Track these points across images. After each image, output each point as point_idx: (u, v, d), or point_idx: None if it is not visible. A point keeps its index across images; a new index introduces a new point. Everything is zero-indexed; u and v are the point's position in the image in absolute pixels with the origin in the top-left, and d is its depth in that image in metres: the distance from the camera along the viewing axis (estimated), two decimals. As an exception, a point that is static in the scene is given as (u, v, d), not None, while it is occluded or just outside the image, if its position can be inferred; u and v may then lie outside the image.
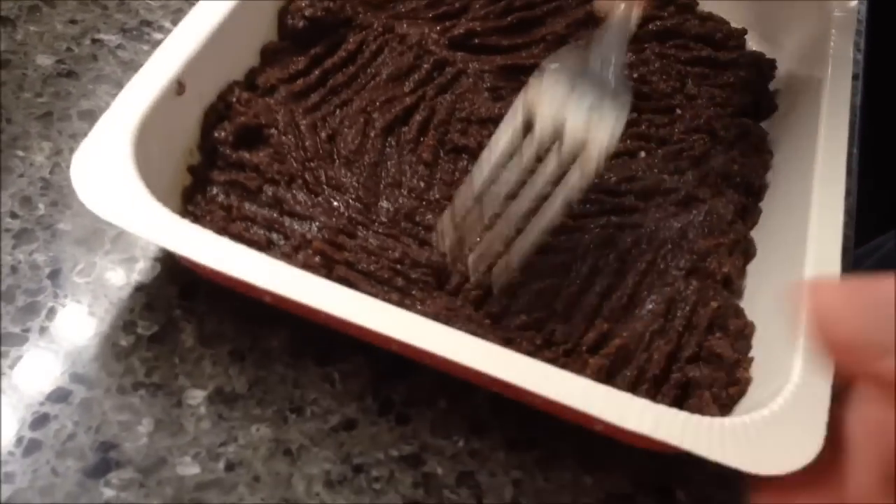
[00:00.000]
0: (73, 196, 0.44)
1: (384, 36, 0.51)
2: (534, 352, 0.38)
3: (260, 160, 0.43)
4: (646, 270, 0.42)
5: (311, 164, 0.44)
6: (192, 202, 0.42)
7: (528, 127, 0.39)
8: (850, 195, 0.48)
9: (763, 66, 0.53)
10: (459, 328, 0.35)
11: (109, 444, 0.37)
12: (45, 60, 0.50)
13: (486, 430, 0.39)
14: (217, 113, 0.45)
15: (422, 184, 0.45)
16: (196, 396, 0.39)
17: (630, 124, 0.49)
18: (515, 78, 0.51)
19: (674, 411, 0.33)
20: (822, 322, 0.26)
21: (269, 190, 0.43)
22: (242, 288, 0.37)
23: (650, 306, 0.41)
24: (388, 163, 0.45)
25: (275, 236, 0.41)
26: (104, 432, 0.37)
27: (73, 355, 0.39)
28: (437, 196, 0.44)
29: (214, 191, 0.43)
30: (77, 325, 0.40)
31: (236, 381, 0.39)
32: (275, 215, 0.42)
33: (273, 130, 0.45)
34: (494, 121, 0.47)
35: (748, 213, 0.45)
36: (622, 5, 0.41)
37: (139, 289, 0.42)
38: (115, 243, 0.43)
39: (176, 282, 0.42)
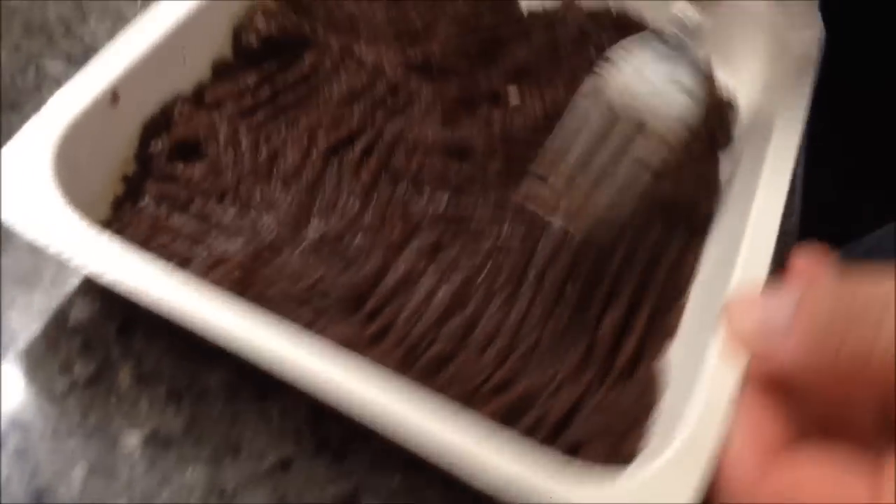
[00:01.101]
0: (13, 233, 0.44)
1: (341, 57, 0.50)
2: (438, 387, 0.37)
3: (193, 173, 0.43)
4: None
5: (247, 181, 0.44)
6: (122, 210, 0.42)
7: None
8: (792, 215, 0.48)
9: (723, 109, 0.52)
10: (365, 355, 0.36)
11: (43, 490, 0.37)
12: (-13, 92, 0.50)
13: (422, 466, 0.39)
14: (157, 124, 0.45)
15: (356, 207, 0.44)
16: (132, 439, 0.38)
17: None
18: (470, 104, 0.50)
19: (549, 458, 0.32)
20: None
21: (198, 203, 0.43)
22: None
23: (570, 352, 0.40)
24: (327, 184, 0.45)
25: (197, 250, 0.41)
26: (38, 478, 0.37)
27: (9, 398, 0.39)
28: (370, 220, 0.44)
29: (146, 201, 0.43)
30: (13, 367, 0.40)
31: (173, 421, 0.39)
32: (200, 229, 0.42)
33: (212, 145, 0.45)
34: (441, 148, 0.47)
35: (690, 249, 0.44)
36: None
37: (76, 328, 0.41)
38: (54, 282, 0.43)
39: (113, 320, 0.41)
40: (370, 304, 0.41)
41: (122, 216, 0.42)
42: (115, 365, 0.40)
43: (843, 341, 0.27)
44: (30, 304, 0.42)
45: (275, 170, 0.45)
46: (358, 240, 0.43)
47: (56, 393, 0.39)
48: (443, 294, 0.41)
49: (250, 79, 0.49)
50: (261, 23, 0.49)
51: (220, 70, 0.49)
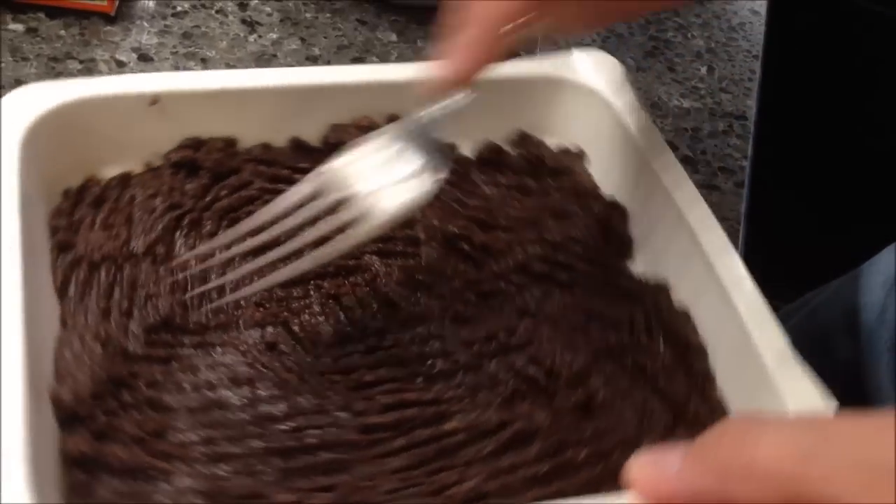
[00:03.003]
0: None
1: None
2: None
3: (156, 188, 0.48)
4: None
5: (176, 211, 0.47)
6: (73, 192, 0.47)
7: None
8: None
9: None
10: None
11: None
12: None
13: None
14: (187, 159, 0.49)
15: (215, 264, 0.45)
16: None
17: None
18: (429, 289, 0.46)
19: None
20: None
21: (122, 212, 0.47)
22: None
23: None
24: (216, 242, 0.45)
25: (79, 242, 0.45)
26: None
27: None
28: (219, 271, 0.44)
29: (91, 196, 0.47)
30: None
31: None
32: (106, 231, 0.46)
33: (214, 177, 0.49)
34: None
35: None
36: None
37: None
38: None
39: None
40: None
41: (69, 194, 0.47)
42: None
43: (728, 453, 0.26)
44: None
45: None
46: (152, 288, 0.43)
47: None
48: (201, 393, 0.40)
49: (304, 162, 0.50)
50: (349, 129, 0.51)
51: (295, 146, 0.51)
